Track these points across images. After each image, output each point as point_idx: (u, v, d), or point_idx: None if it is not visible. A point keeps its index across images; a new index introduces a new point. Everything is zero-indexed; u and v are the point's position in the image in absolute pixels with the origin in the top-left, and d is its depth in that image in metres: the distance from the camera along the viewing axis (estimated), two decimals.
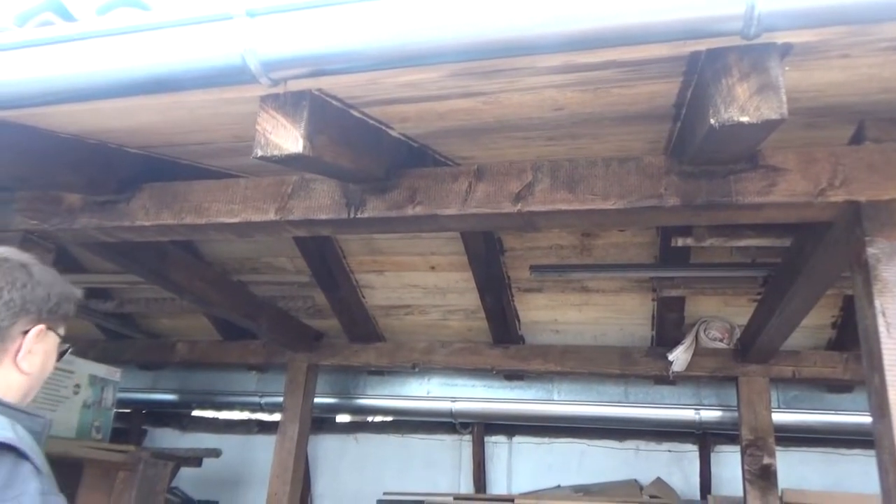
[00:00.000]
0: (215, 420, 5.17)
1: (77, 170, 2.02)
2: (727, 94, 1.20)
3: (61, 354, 1.35)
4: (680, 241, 2.49)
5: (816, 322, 3.24)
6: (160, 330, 4.39)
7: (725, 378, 3.41)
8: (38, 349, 1.25)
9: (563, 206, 1.71)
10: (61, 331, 1.33)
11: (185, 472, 4.07)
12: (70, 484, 2.89)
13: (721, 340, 3.30)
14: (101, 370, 3.57)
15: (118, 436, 4.03)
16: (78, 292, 1.37)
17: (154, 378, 4.74)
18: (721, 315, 3.34)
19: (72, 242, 2.34)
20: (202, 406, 4.94)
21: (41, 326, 1.25)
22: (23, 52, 1.48)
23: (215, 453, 3.78)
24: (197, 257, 3.45)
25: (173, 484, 4.33)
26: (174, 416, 5.20)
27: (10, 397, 1.21)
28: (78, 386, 3.40)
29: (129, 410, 4.96)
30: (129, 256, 2.64)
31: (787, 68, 1.25)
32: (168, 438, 5.12)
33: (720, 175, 1.61)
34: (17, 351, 1.22)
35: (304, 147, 1.40)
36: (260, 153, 1.43)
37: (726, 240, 2.41)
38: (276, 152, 1.41)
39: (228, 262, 3.57)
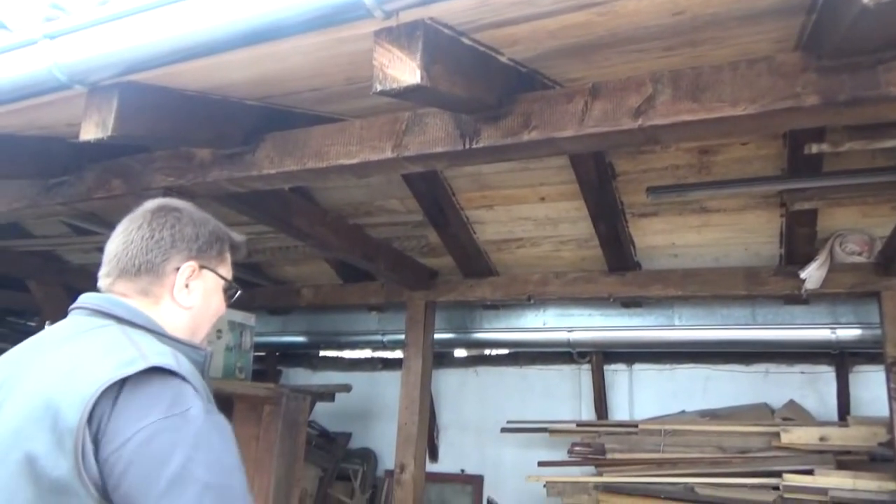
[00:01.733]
0: (342, 359, 5.49)
1: (205, 125, 2.14)
2: None
3: (230, 296, 1.43)
4: (814, 148, 2.30)
5: None
6: (285, 277, 4.65)
7: (865, 294, 3.20)
8: (195, 286, 1.33)
9: (688, 117, 1.63)
10: (222, 271, 1.40)
11: (319, 407, 4.37)
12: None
13: (860, 254, 3.08)
14: (238, 316, 3.85)
15: (257, 376, 4.37)
16: (235, 235, 1.44)
17: (284, 322, 5.06)
18: (859, 227, 3.11)
19: (206, 196, 2.49)
20: (329, 346, 5.25)
21: (192, 263, 1.33)
22: (151, 13, 1.56)
23: (346, 388, 4.02)
24: (315, 205, 3.60)
25: (310, 418, 4.67)
26: (304, 356, 5.56)
27: (179, 333, 1.32)
28: (220, 331, 3.69)
29: (263, 353, 5.35)
30: (257, 207, 2.80)
31: None
32: (301, 377, 5.50)
33: (866, 66, 1.47)
34: (173, 286, 1.31)
35: (422, 77, 1.40)
36: (379, 87, 1.44)
37: (868, 142, 2.21)
38: (394, 85, 1.43)
39: (343, 208, 3.70)
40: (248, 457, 3.11)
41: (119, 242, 1.33)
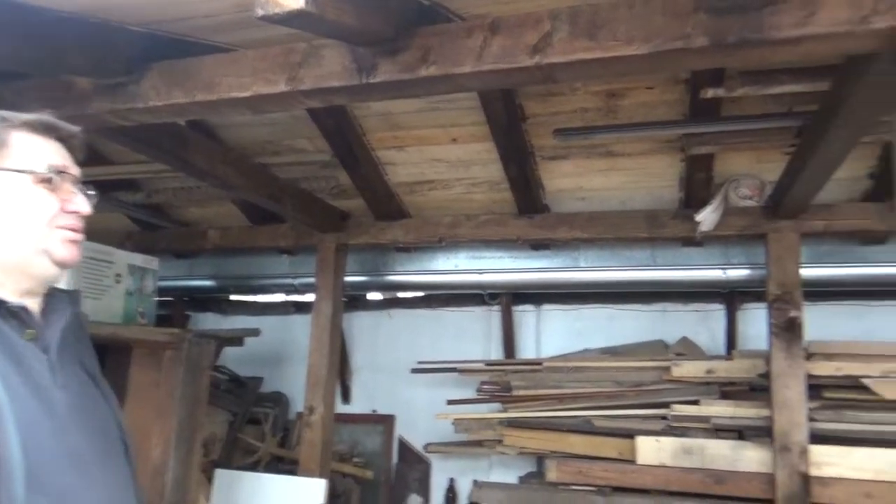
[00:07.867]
0: (253, 303, 5.37)
1: (83, 51, 1.98)
2: None
3: (46, 181, 1.24)
4: (710, 92, 2.37)
5: (852, 174, 3.14)
6: (190, 218, 4.47)
7: (755, 236, 3.38)
8: None
9: (584, 56, 1.62)
10: (7, 163, 1.22)
11: (231, 352, 4.29)
12: (121, 363, 3.07)
13: (751, 198, 3.24)
14: (139, 259, 3.68)
15: (163, 322, 4.22)
16: (22, 115, 1.26)
17: (190, 266, 4.87)
18: (752, 172, 3.26)
19: (88, 129, 2.31)
20: (239, 290, 5.10)
21: None
22: None
23: (254, 332, 3.94)
24: (217, 142, 3.43)
25: (220, 363, 4.58)
26: (214, 301, 5.40)
27: None
28: (119, 275, 3.52)
29: (170, 298, 5.16)
30: (151, 143, 2.64)
31: None
32: (210, 322, 5.36)
33: (754, 8, 1.49)
34: None
35: (306, 2, 1.32)
36: (261, 12, 1.36)
37: (760, 87, 2.29)
38: (276, 10, 1.34)
39: (249, 147, 3.55)
40: (149, 402, 3.02)
41: None
